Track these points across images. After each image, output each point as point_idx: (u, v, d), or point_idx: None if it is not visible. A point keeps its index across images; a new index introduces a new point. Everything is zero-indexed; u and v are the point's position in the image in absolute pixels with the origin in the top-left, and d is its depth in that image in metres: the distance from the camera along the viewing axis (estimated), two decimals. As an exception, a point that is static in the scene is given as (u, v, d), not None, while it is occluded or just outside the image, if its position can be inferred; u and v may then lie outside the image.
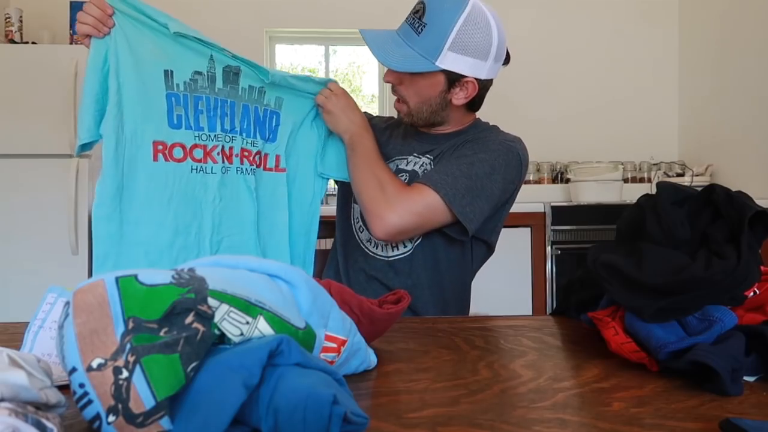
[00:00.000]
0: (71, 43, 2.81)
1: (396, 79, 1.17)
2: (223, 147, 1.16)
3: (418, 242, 1.20)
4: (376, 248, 1.23)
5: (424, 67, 1.11)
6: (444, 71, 1.12)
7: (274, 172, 1.23)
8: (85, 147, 1.09)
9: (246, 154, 1.19)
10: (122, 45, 1.08)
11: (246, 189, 1.18)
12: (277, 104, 1.22)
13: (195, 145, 1.14)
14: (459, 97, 1.17)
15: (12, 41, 2.84)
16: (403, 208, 1.11)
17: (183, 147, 1.13)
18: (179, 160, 1.13)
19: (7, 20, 2.87)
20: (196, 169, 1.14)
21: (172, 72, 1.11)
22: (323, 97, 1.21)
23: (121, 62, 1.08)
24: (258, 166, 1.20)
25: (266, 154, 1.21)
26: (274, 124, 1.22)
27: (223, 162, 1.16)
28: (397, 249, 1.21)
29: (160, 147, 1.12)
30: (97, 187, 1.10)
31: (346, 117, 1.21)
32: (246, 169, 1.19)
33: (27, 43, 2.85)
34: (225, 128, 1.17)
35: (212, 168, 1.15)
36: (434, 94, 1.16)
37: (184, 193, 1.13)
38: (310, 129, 1.26)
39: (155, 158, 1.11)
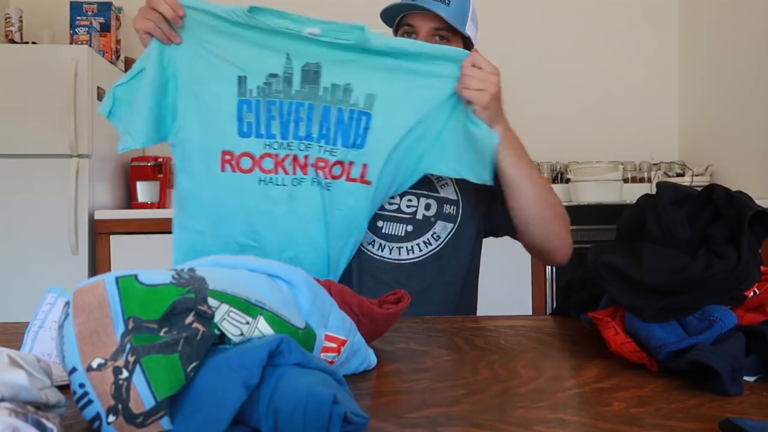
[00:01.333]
0: (71, 43, 2.81)
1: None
2: (296, 156, 1.05)
3: (433, 246, 1.16)
4: (382, 251, 1.17)
5: (462, 29, 1.11)
6: (463, 39, 1.14)
7: (358, 184, 1.06)
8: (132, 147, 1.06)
9: (322, 164, 1.05)
10: (194, 54, 1.02)
11: (320, 204, 1.07)
12: (368, 103, 1.04)
13: (265, 155, 1.05)
14: None
15: (12, 41, 2.84)
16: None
17: (251, 156, 1.05)
18: (247, 171, 1.05)
19: (7, 20, 2.87)
20: (265, 180, 1.05)
21: (245, 78, 1.04)
22: (479, 82, 0.99)
23: (193, 73, 1.03)
24: (337, 178, 1.06)
25: (351, 163, 1.05)
26: (362, 127, 1.05)
27: (295, 173, 1.06)
28: (413, 252, 1.17)
29: (228, 157, 1.05)
30: (174, 195, 1.10)
31: (502, 111, 1.04)
32: (321, 182, 1.06)
33: (27, 43, 2.85)
34: (299, 135, 1.05)
35: (283, 180, 1.05)
36: None
37: (250, 207, 1.05)
38: (440, 126, 1.05)
39: (222, 168, 1.05)
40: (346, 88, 1.04)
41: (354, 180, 1.06)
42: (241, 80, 1.04)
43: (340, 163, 1.05)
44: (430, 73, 1.02)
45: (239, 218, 1.06)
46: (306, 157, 1.05)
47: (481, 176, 1.05)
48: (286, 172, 1.05)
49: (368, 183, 1.06)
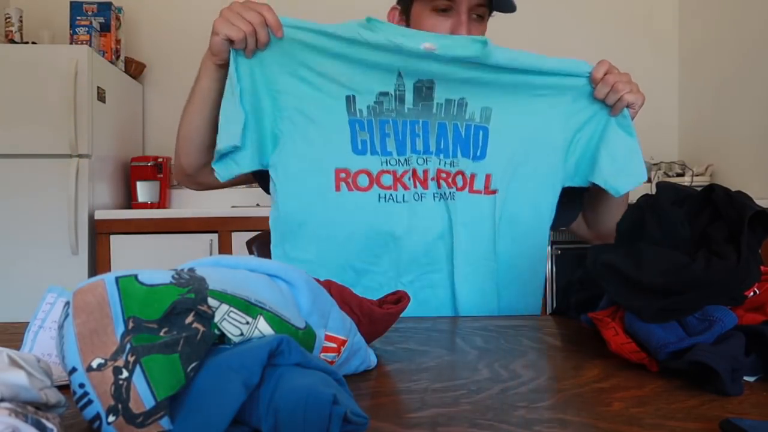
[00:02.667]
0: (71, 43, 2.81)
1: (468, 31, 1.06)
2: (415, 170, 0.99)
3: None
4: None
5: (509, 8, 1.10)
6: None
7: (482, 195, 1.01)
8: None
9: (443, 175, 1.00)
10: (294, 74, 0.97)
11: (445, 218, 1.00)
12: (484, 117, 1.00)
13: (383, 171, 0.99)
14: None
15: (12, 41, 2.84)
16: None
17: (369, 174, 0.99)
18: (364, 189, 0.99)
19: (7, 20, 2.87)
20: (384, 197, 0.99)
21: (354, 97, 0.98)
22: (629, 85, 0.98)
23: (296, 93, 0.97)
24: (460, 189, 1.01)
25: (473, 175, 1.01)
26: (481, 141, 1.01)
27: (416, 187, 1.00)
28: None
29: (343, 175, 0.98)
30: (271, 224, 1.02)
31: None
32: (445, 193, 1.00)
33: (27, 43, 2.85)
34: (417, 150, 1.00)
35: (403, 196, 0.99)
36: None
37: (370, 227, 0.99)
38: (558, 134, 1.02)
39: (337, 188, 0.98)
40: (460, 103, 0.99)
41: (478, 192, 1.01)
42: (350, 100, 0.98)
43: (461, 173, 1.00)
44: (546, 85, 1.00)
45: (357, 241, 0.99)
46: (425, 171, 0.99)
47: (616, 185, 1.00)
48: (406, 188, 0.99)
49: (493, 192, 1.01)
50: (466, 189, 1.01)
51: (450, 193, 1.00)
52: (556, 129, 1.02)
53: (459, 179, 1.01)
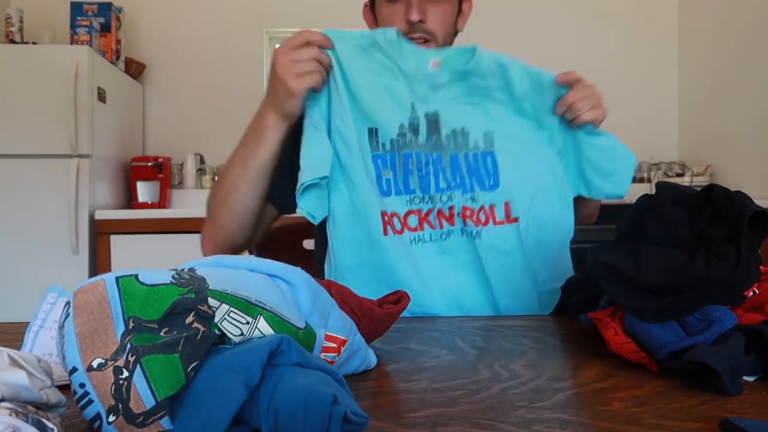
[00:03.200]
0: (71, 44, 2.81)
1: (423, 13, 1.02)
2: (440, 209, 0.97)
3: None
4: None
5: None
6: None
7: (506, 225, 0.99)
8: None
9: (468, 213, 0.98)
10: (338, 95, 0.93)
11: (473, 254, 0.98)
12: (487, 142, 0.99)
13: (409, 212, 0.97)
14: (461, 22, 1.12)
15: (12, 41, 2.85)
16: None
17: (398, 216, 0.96)
18: (399, 233, 0.96)
19: (8, 20, 2.88)
20: (414, 240, 0.97)
21: (376, 130, 0.95)
22: (589, 102, 0.96)
23: (344, 119, 0.94)
24: (485, 224, 0.98)
25: (492, 206, 0.98)
26: (490, 166, 0.98)
27: (442, 227, 0.98)
28: None
29: (386, 218, 0.96)
30: (327, 269, 1.00)
31: None
32: (471, 232, 0.97)
33: (27, 43, 2.86)
34: (440, 187, 0.97)
35: (430, 235, 0.97)
36: (452, 19, 1.08)
37: (406, 270, 0.96)
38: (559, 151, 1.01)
39: (385, 232, 0.95)
40: (463, 132, 0.98)
41: (501, 223, 0.98)
42: (372, 133, 0.96)
43: (482, 209, 0.98)
44: (528, 97, 0.98)
45: (400, 285, 0.93)
46: (451, 207, 0.97)
47: (618, 191, 1.04)
48: (432, 227, 0.97)
49: (515, 221, 0.98)
50: (490, 222, 0.98)
51: (477, 231, 0.97)
52: (546, 146, 1.01)
53: (482, 215, 0.98)
